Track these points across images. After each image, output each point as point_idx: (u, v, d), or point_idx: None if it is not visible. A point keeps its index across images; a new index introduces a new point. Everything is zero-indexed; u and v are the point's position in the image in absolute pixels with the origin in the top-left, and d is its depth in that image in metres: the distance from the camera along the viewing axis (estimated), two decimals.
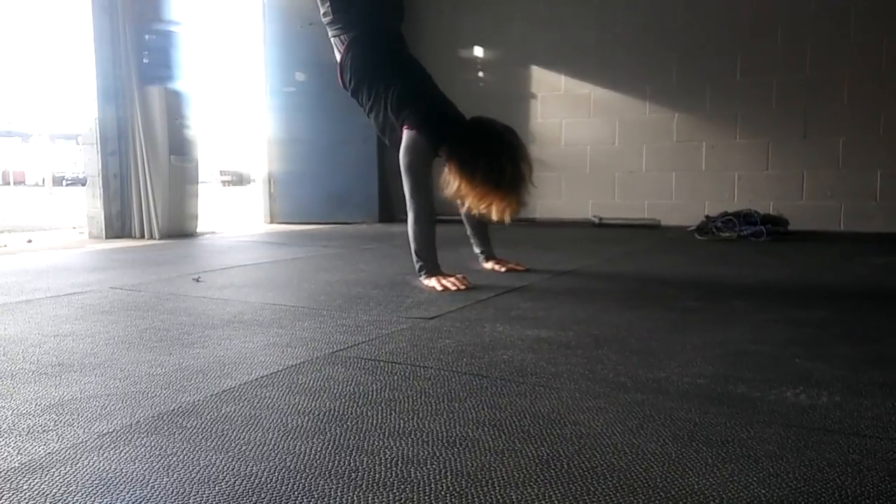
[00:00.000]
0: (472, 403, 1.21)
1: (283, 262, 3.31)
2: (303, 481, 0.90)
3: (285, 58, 6.02)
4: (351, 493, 0.87)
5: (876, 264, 3.15)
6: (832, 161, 4.80)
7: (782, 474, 0.91)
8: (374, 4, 2.64)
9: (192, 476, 0.92)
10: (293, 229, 5.38)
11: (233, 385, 1.32)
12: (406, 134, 2.47)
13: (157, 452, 1.00)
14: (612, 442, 1.03)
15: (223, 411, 1.18)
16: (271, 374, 1.40)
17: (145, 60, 4.66)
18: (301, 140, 6.01)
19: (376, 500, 0.85)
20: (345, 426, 1.10)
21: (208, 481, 0.90)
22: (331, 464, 0.96)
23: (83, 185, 4.82)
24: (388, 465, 0.95)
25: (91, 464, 0.96)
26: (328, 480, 0.91)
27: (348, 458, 0.98)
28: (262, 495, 0.86)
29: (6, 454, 0.99)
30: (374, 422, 1.12)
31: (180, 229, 4.76)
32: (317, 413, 1.17)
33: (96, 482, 0.90)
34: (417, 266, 2.50)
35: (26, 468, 0.94)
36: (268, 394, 1.27)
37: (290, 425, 1.11)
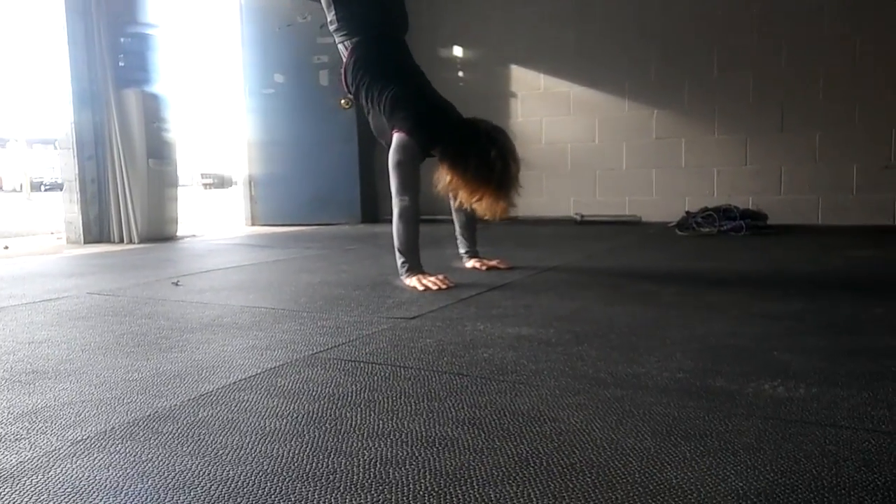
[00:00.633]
0: (452, 402, 1.21)
1: (265, 265, 3.29)
2: (280, 484, 0.89)
3: (263, 59, 5.98)
4: (328, 496, 0.86)
5: (853, 257, 3.18)
6: (809, 155, 4.86)
7: (760, 467, 0.92)
8: (378, 13, 2.70)
9: (168, 482, 0.91)
10: (275, 231, 5.35)
11: (210, 389, 1.31)
12: (396, 136, 2.52)
13: (132, 459, 0.99)
14: (591, 438, 1.03)
15: (200, 416, 1.16)
16: (250, 377, 1.39)
17: (121, 63, 4.60)
18: (281, 141, 5.97)
19: (354, 502, 0.84)
20: (323, 428, 1.10)
21: (184, 486, 0.89)
22: (308, 466, 0.95)
23: (61, 190, 4.75)
24: (367, 467, 0.94)
25: (64, 472, 0.94)
26: (305, 483, 0.90)
27: (326, 460, 0.97)
28: (239, 499, 0.85)
29: None
30: (353, 423, 1.12)
31: (160, 233, 4.71)
32: (295, 415, 1.16)
33: (69, 490, 0.88)
34: (399, 263, 2.52)
35: None
36: (246, 397, 1.26)
37: (267, 428, 1.10)
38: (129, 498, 0.86)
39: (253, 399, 1.25)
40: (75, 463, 0.97)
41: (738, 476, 0.89)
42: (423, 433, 1.06)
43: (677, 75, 5.19)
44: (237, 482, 0.90)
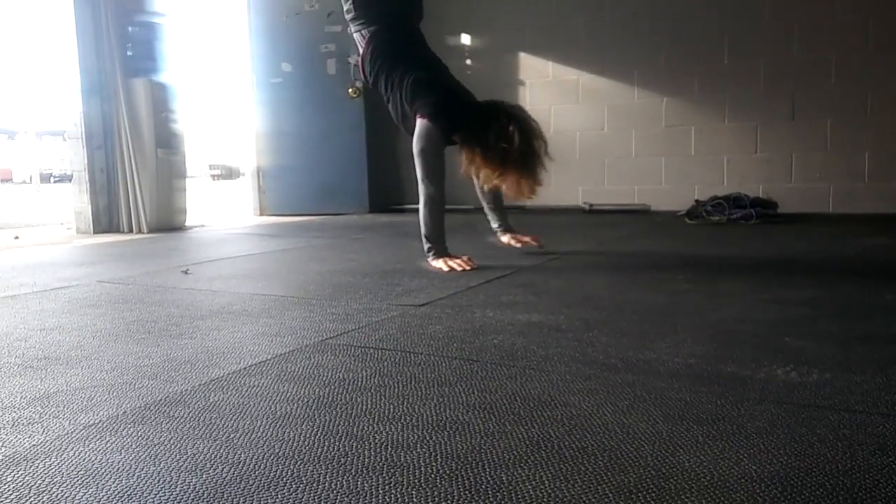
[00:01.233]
0: (463, 387, 1.20)
1: (273, 254, 3.29)
2: (291, 467, 0.89)
3: (271, 49, 5.97)
4: (340, 478, 0.86)
5: (864, 244, 3.16)
6: (820, 143, 4.81)
7: (773, 450, 0.91)
8: (394, 2, 2.74)
9: (179, 464, 0.91)
10: (283, 221, 5.35)
11: (221, 374, 1.31)
12: (419, 122, 2.55)
13: (144, 442, 0.99)
14: (602, 422, 1.03)
15: (211, 400, 1.16)
16: (260, 362, 1.39)
17: (129, 53, 4.61)
18: (289, 132, 5.96)
19: (366, 485, 0.84)
20: (334, 412, 1.10)
21: (195, 469, 0.89)
22: (320, 450, 0.95)
23: (70, 181, 4.77)
24: (378, 450, 0.94)
25: (76, 455, 0.95)
26: (317, 466, 0.90)
27: (337, 443, 0.97)
28: (250, 482, 0.85)
29: None
30: (364, 407, 1.11)
31: (169, 223, 4.72)
32: (306, 400, 1.16)
33: (81, 472, 0.89)
34: (426, 248, 2.57)
35: (10, 460, 0.93)
36: (256, 382, 1.26)
37: (278, 413, 1.10)
38: (141, 480, 0.86)
39: (263, 384, 1.25)
40: (88, 446, 0.98)
41: (752, 459, 0.89)
42: (434, 417, 1.06)
43: (688, 62, 5.14)
44: (248, 465, 0.90)
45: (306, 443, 0.97)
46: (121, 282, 2.47)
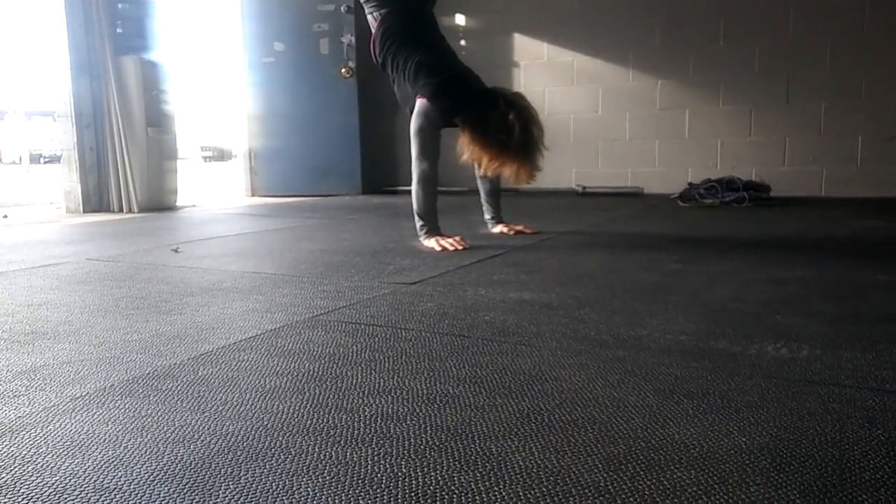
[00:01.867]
0: (454, 362, 1.20)
1: (265, 233, 3.27)
2: (280, 439, 0.89)
3: (263, 28, 5.90)
4: (329, 449, 0.85)
5: (856, 227, 3.16)
6: (814, 127, 4.81)
7: (763, 423, 0.91)
8: None
9: (167, 436, 0.90)
10: (275, 202, 5.33)
11: (210, 349, 1.30)
12: (419, 102, 2.56)
13: (132, 414, 0.98)
14: (593, 396, 1.02)
15: (200, 374, 1.16)
16: (250, 338, 1.38)
17: (119, 30, 4.55)
18: (281, 112, 5.91)
19: (355, 456, 0.84)
20: (324, 386, 1.09)
21: (183, 440, 0.89)
22: (309, 422, 0.94)
23: (60, 161, 4.72)
24: (368, 422, 0.94)
25: (62, 426, 0.94)
26: (306, 437, 0.89)
27: (327, 416, 0.97)
28: (238, 453, 0.85)
29: None
30: (354, 381, 1.11)
31: (160, 202, 4.69)
32: (295, 374, 1.15)
33: (67, 443, 0.88)
34: (418, 226, 2.58)
35: None
36: (246, 357, 1.25)
37: (268, 386, 1.09)
38: (127, 451, 0.86)
39: (253, 358, 1.24)
40: (74, 418, 0.97)
41: (741, 432, 0.89)
42: (425, 391, 1.06)
43: (682, 45, 5.12)
44: (237, 436, 0.90)
45: (295, 415, 0.97)
46: (110, 259, 2.45)
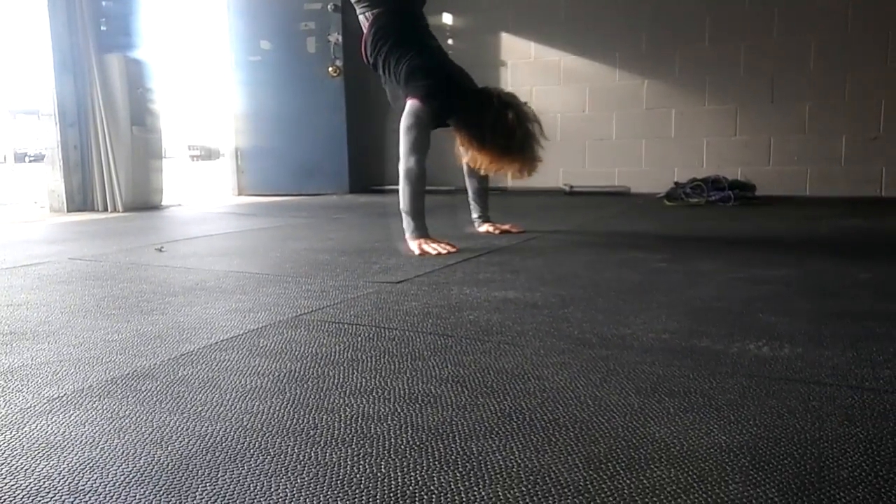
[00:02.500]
0: (436, 361, 1.19)
1: (250, 232, 3.25)
2: (259, 439, 0.88)
3: (250, 26, 5.87)
4: (308, 450, 0.85)
5: (839, 226, 3.19)
6: (798, 126, 4.84)
7: (743, 421, 0.91)
8: None
9: (145, 437, 0.89)
10: (262, 201, 5.30)
11: (191, 349, 1.29)
12: (409, 102, 2.52)
13: (109, 415, 0.97)
14: (575, 395, 1.02)
15: (180, 374, 1.15)
16: (232, 337, 1.37)
17: (103, 28, 4.51)
18: (268, 112, 5.88)
19: (334, 456, 0.83)
20: (305, 386, 1.08)
21: (161, 441, 0.88)
22: (289, 422, 0.94)
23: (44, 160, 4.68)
24: (349, 422, 0.93)
25: (38, 428, 0.93)
26: (286, 438, 0.88)
27: (307, 416, 0.96)
28: (217, 454, 0.84)
29: None
30: (336, 381, 1.10)
31: (145, 202, 4.65)
32: (277, 374, 1.14)
33: (43, 445, 0.87)
34: (405, 225, 2.53)
35: None
36: (227, 357, 1.24)
37: (248, 386, 1.08)
38: (104, 453, 0.85)
39: (234, 358, 1.23)
40: (51, 419, 0.96)
41: (722, 430, 0.89)
42: (406, 390, 1.05)
43: (669, 45, 5.14)
44: (216, 437, 0.89)
45: (276, 415, 0.96)
46: (92, 259, 2.43)
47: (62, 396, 1.04)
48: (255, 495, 0.74)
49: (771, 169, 4.92)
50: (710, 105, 5.08)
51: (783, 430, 0.89)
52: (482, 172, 2.65)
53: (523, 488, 0.74)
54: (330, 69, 5.66)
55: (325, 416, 0.95)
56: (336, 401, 1.02)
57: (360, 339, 1.35)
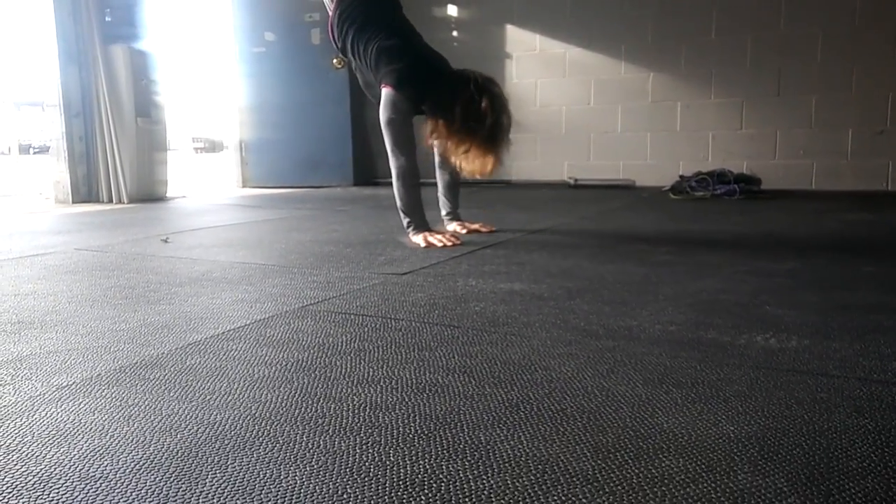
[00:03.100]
0: (443, 352, 1.20)
1: (255, 224, 3.26)
2: (268, 427, 0.88)
3: (254, 16, 5.86)
4: (317, 438, 0.85)
5: (845, 220, 3.18)
6: (805, 120, 4.82)
7: (751, 412, 0.91)
8: None
9: (154, 425, 0.90)
10: (266, 193, 5.30)
11: (198, 339, 1.29)
12: (384, 91, 2.42)
13: (118, 403, 0.97)
14: (582, 385, 1.02)
15: (188, 363, 1.15)
16: (238, 327, 1.37)
17: (108, 18, 4.50)
18: (272, 104, 5.88)
19: (343, 444, 0.83)
20: (313, 375, 1.08)
21: (170, 429, 0.88)
22: (297, 411, 0.94)
23: (49, 151, 4.68)
24: (356, 411, 0.94)
25: (48, 415, 0.93)
26: (294, 426, 0.89)
27: (315, 405, 0.96)
28: (226, 441, 0.84)
29: None
30: (343, 371, 1.10)
31: (150, 193, 4.66)
32: (284, 363, 1.14)
33: (53, 432, 0.87)
34: (405, 223, 2.48)
35: None
36: (234, 346, 1.24)
37: (256, 375, 1.09)
38: (114, 440, 0.85)
39: (242, 348, 1.23)
40: (60, 407, 0.96)
41: (730, 421, 0.89)
42: (414, 380, 1.05)
43: (674, 37, 5.11)
44: (224, 426, 0.89)
45: (284, 404, 0.96)
46: (98, 249, 2.44)
47: (71, 385, 1.05)
48: (264, 482, 0.74)
49: (777, 162, 4.91)
50: (715, 98, 5.06)
51: (791, 420, 0.88)
52: (448, 158, 2.47)
53: (532, 477, 0.75)
54: (334, 61, 5.60)
55: (332, 406, 0.96)
56: (344, 390, 1.02)
57: (366, 329, 1.35)
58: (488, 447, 0.82)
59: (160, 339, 1.30)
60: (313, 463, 0.78)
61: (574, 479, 0.74)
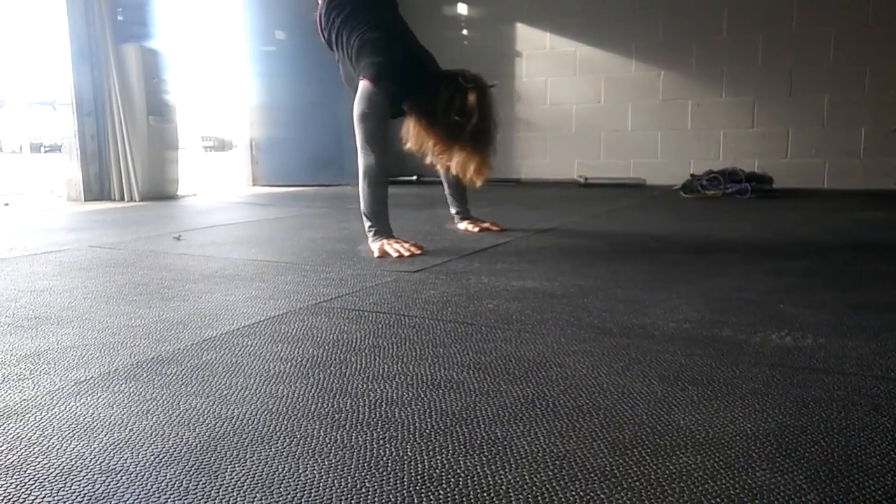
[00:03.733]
0: (458, 349, 1.20)
1: (266, 222, 3.27)
2: (285, 422, 0.89)
3: (265, 15, 5.87)
4: (334, 433, 0.85)
5: (859, 219, 3.16)
6: (817, 118, 4.80)
7: (768, 410, 0.91)
8: None
9: (172, 419, 0.90)
10: (276, 191, 5.32)
11: (214, 335, 1.30)
12: (361, 84, 2.29)
13: (136, 398, 0.98)
14: (597, 382, 1.02)
15: (204, 359, 1.16)
16: (253, 324, 1.38)
17: (119, 17, 4.52)
18: (282, 102, 5.89)
19: (360, 439, 0.84)
20: (328, 371, 1.09)
21: (188, 423, 0.89)
22: (314, 406, 0.94)
23: (61, 151, 4.71)
24: (372, 407, 0.94)
25: (68, 409, 0.94)
26: (311, 421, 0.89)
27: (331, 400, 0.97)
28: (244, 436, 0.85)
29: None
30: (358, 367, 1.11)
31: (161, 191, 4.68)
32: (300, 359, 1.15)
33: (73, 426, 0.88)
34: (366, 226, 2.29)
35: (0, 414, 0.92)
36: (250, 342, 1.25)
37: (272, 371, 1.09)
38: (133, 434, 0.86)
39: (257, 344, 1.24)
40: (79, 401, 0.97)
41: (747, 418, 0.88)
42: (429, 376, 1.06)
43: (685, 36, 5.10)
44: (242, 420, 0.90)
45: (300, 399, 0.97)
46: (112, 247, 2.45)
47: (89, 379, 1.06)
48: (284, 476, 0.74)
49: (788, 161, 4.88)
50: (727, 97, 5.04)
51: (809, 418, 0.88)
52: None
53: (549, 472, 0.75)
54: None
55: (349, 401, 0.96)
56: (359, 386, 1.02)
57: (380, 326, 1.36)
58: (505, 443, 0.82)
59: (176, 334, 1.31)
60: (332, 457, 0.79)
61: (592, 475, 0.74)
